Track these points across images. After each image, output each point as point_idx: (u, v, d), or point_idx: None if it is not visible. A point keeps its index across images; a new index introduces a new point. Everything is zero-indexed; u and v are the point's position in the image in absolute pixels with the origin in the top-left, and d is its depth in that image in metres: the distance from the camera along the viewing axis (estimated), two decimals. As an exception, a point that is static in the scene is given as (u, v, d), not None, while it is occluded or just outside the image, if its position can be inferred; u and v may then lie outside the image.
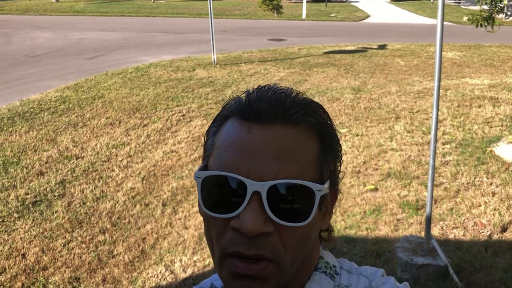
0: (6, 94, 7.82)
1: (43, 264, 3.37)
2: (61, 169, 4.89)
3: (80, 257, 3.46)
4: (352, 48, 12.03)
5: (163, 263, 3.39)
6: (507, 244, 3.38)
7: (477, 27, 6.08)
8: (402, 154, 5.02)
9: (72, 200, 4.30)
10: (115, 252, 3.53)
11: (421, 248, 3.10)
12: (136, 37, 14.13)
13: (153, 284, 3.18)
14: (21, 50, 11.93)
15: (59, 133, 5.92)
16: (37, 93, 7.78)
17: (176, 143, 5.54)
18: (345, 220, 3.82)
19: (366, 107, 6.74)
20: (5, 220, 3.95)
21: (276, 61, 10.25)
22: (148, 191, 4.45)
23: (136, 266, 3.38)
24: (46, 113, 6.66)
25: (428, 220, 3.03)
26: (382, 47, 12.17)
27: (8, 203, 4.22)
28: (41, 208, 4.14)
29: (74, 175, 4.78)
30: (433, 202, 3.50)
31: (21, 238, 3.68)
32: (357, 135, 5.61)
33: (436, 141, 2.92)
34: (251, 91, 0.64)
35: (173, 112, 6.62)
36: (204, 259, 3.39)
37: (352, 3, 26.63)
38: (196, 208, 4.00)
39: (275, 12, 17.51)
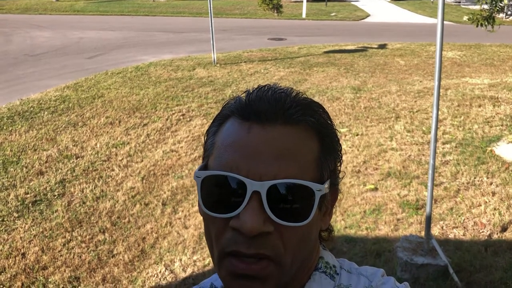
0: (6, 93, 7.81)
1: (43, 263, 3.37)
2: (61, 169, 4.89)
3: (80, 257, 3.46)
4: (352, 47, 12.03)
5: (163, 263, 3.39)
6: (507, 243, 3.38)
7: (477, 26, 6.07)
8: (402, 154, 5.02)
9: (72, 199, 4.30)
10: (115, 252, 3.53)
11: (421, 247, 3.10)
12: (136, 36, 14.12)
13: (153, 284, 3.18)
14: (21, 49, 11.93)
15: (59, 132, 5.92)
16: (37, 92, 7.77)
17: (176, 143, 5.54)
18: (345, 219, 3.82)
19: (366, 106, 6.73)
20: (5, 219, 3.95)
21: (276, 61, 10.25)
22: (148, 191, 4.45)
23: (136, 265, 3.38)
24: (46, 113, 6.66)
25: (428, 220, 3.03)
26: (382, 46, 12.16)
27: (8, 202, 4.21)
28: (41, 208, 4.14)
29: (74, 174, 4.78)
30: (433, 201, 3.50)
31: (21, 238, 3.68)
32: (357, 135, 5.60)
33: (436, 140, 2.92)
34: (251, 91, 0.64)
35: (173, 112, 6.62)
36: (204, 259, 3.39)
37: (352, 3, 26.62)
38: (196, 208, 4.00)
39: (275, 11, 17.52)
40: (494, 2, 5.92)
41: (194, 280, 3.16)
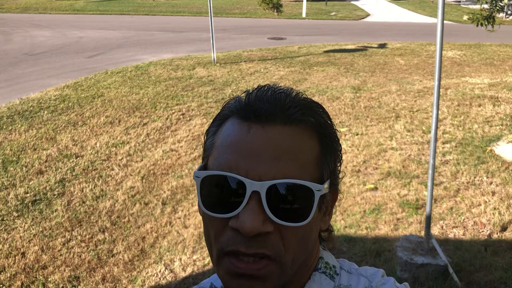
0: (6, 92, 7.81)
1: (43, 263, 3.37)
2: (61, 168, 4.89)
3: (80, 256, 3.46)
4: (352, 47, 12.02)
5: (163, 262, 3.39)
6: (507, 243, 3.38)
7: (477, 26, 6.07)
8: (402, 153, 5.02)
9: (71, 199, 4.30)
10: (114, 251, 3.52)
11: (421, 247, 3.10)
12: (136, 36, 14.11)
13: (153, 283, 3.17)
14: (20, 49, 11.92)
15: (58, 131, 5.92)
16: (36, 91, 7.77)
17: (176, 142, 5.54)
18: (345, 219, 3.82)
19: (366, 106, 6.73)
20: (5, 219, 3.95)
21: (276, 60, 10.25)
22: (147, 190, 4.45)
23: (135, 265, 3.37)
24: (45, 112, 6.65)
25: (428, 220, 3.03)
26: (382, 46, 12.16)
27: (8, 202, 4.21)
28: (41, 207, 4.14)
29: (74, 174, 4.77)
30: (433, 201, 3.50)
31: (20, 237, 3.68)
32: (357, 134, 5.60)
33: (436, 140, 2.92)
34: (250, 91, 0.63)
35: (173, 111, 6.62)
36: (203, 258, 3.39)
37: (352, 2, 26.61)
38: (196, 207, 4.00)
39: (275, 10, 17.51)
40: (494, 1, 5.92)
41: (194, 279, 3.16)
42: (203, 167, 0.63)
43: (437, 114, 2.84)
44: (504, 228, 3.56)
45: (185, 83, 8.21)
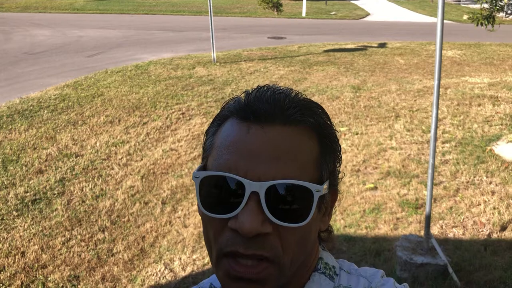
0: (6, 91, 7.81)
1: (43, 262, 3.37)
2: (61, 167, 4.89)
3: (80, 255, 3.46)
4: (352, 46, 12.02)
5: (163, 262, 3.39)
6: (507, 243, 3.38)
7: (477, 25, 6.07)
8: (401, 153, 5.02)
9: (71, 198, 4.30)
10: (114, 251, 3.53)
11: (420, 247, 3.10)
12: (136, 35, 14.11)
13: (153, 283, 3.18)
14: (20, 48, 11.91)
15: (58, 131, 5.92)
16: (36, 91, 7.77)
17: (176, 141, 5.54)
18: (345, 218, 3.82)
19: (366, 105, 6.73)
20: (5, 218, 3.95)
21: (276, 59, 10.24)
22: (147, 190, 4.45)
23: (135, 264, 3.38)
24: (45, 111, 6.65)
25: (428, 219, 3.03)
26: (382, 45, 12.16)
27: (8, 201, 4.21)
28: (41, 206, 4.14)
29: (74, 173, 4.77)
30: (433, 201, 3.50)
31: (20, 236, 3.68)
32: (357, 134, 5.60)
33: (435, 139, 2.92)
34: (250, 91, 0.63)
35: (173, 110, 6.61)
36: (203, 258, 3.39)
37: (352, 1, 26.60)
38: (196, 207, 4.00)
39: (275, 10, 17.50)
40: (494, 1, 5.92)
41: (193, 279, 3.16)
42: (203, 168, 0.63)
43: (437, 114, 2.84)
44: (503, 228, 3.57)
45: (185, 83, 8.21)
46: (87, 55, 10.99)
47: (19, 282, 3.15)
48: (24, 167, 4.88)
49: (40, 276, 3.22)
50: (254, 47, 11.88)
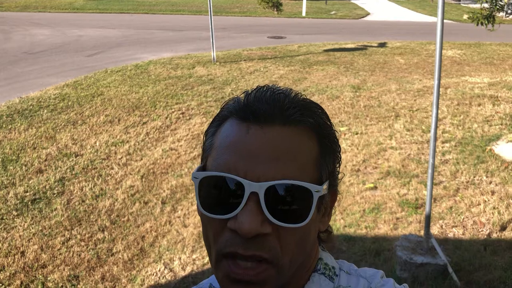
0: (5, 91, 7.80)
1: (42, 262, 3.37)
2: (60, 167, 4.89)
3: (79, 255, 3.46)
4: (352, 46, 12.02)
5: (162, 261, 3.39)
6: (506, 243, 3.38)
7: (477, 25, 6.07)
8: (401, 153, 5.02)
9: (71, 198, 4.29)
10: (114, 250, 3.52)
11: (420, 247, 3.10)
12: (136, 34, 14.10)
13: (152, 282, 3.17)
14: (20, 47, 11.91)
15: (58, 130, 5.91)
16: (36, 90, 7.76)
17: (176, 141, 5.54)
18: (344, 218, 3.82)
19: (366, 105, 6.73)
20: (4, 217, 3.95)
21: (276, 59, 10.24)
22: (147, 189, 4.45)
23: (135, 264, 3.37)
24: (45, 111, 6.65)
25: (428, 219, 3.03)
26: (382, 45, 12.16)
27: (7, 200, 4.21)
28: (40, 206, 4.13)
29: (73, 172, 4.77)
30: (433, 200, 3.50)
31: (20, 236, 3.68)
32: (357, 134, 5.60)
33: (435, 139, 2.92)
34: (249, 92, 0.63)
35: (173, 110, 6.61)
36: (203, 257, 3.39)
37: (352, 1, 26.60)
38: (196, 206, 4.00)
39: (275, 9, 17.48)
40: (494, 1, 5.91)
41: (193, 278, 3.16)
42: (202, 168, 0.63)
43: (437, 114, 2.84)
44: (503, 228, 3.57)
45: (185, 82, 8.21)
46: (86, 55, 10.99)
47: (18, 282, 3.15)
48: (23, 167, 4.88)
49: (40, 276, 3.21)
50: (254, 46, 11.87)
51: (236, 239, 0.57)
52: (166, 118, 6.32)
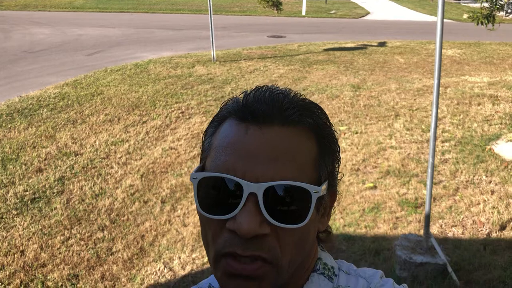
0: (5, 90, 7.80)
1: (42, 261, 3.37)
2: (60, 166, 4.89)
3: (79, 254, 3.46)
4: (352, 45, 12.01)
5: (162, 261, 3.39)
6: (506, 242, 3.38)
7: (477, 24, 6.07)
8: (401, 152, 5.02)
9: (71, 197, 4.29)
10: (114, 249, 3.52)
11: (420, 246, 3.10)
12: (135, 34, 14.09)
13: (152, 282, 3.18)
14: (20, 46, 11.90)
15: (58, 129, 5.91)
16: (36, 89, 7.76)
17: (175, 140, 5.54)
18: (344, 218, 3.82)
19: (366, 104, 6.73)
20: (4, 217, 3.95)
21: (276, 58, 10.24)
22: (147, 188, 4.45)
23: (135, 263, 3.37)
24: (45, 110, 6.65)
25: (427, 218, 3.03)
26: (382, 44, 12.15)
27: (7, 200, 4.21)
28: (40, 205, 4.13)
29: (73, 172, 4.77)
30: (432, 200, 3.50)
31: (19, 235, 3.68)
32: (356, 133, 5.60)
33: (435, 139, 2.92)
34: (248, 92, 0.63)
35: (172, 109, 6.61)
36: (203, 257, 3.39)
37: (352, 0, 26.58)
38: (195, 206, 4.00)
39: (275, 8, 17.47)
40: (494, 0, 5.91)
41: (193, 278, 3.16)
42: (201, 169, 0.63)
43: (437, 113, 2.84)
44: (503, 227, 3.57)
45: (185, 81, 8.20)
46: (86, 54, 10.98)
47: (18, 281, 3.15)
48: (23, 166, 4.88)
49: (40, 275, 3.22)
50: (253, 45, 11.87)
51: (235, 240, 0.57)
52: (166, 117, 6.32)
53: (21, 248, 3.51)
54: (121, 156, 5.12)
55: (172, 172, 4.77)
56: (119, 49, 11.52)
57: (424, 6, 23.79)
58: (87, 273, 3.25)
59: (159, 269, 3.29)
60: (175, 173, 4.74)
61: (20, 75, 8.92)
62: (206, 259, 3.36)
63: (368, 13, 21.15)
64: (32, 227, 3.79)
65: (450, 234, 3.53)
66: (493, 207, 3.84)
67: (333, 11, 20.98)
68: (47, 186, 4.46)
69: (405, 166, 4.69)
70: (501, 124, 5.76)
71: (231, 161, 0.58)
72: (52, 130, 5.87)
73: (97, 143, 5.48)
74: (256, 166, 0.57)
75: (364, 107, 6.61)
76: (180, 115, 6.40)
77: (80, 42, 12.62)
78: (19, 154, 5.18)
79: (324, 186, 0.61)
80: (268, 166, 0.57)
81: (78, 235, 3.69)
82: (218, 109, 0.67)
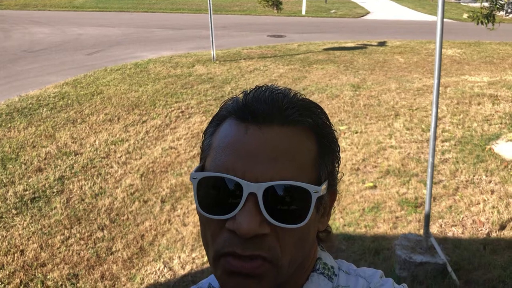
0: (5, 89, 7.80)
1: (42, 260, 3.37)
2: (60, 166, 4.89)
3: (79, 254, 3.46)
4: (352, 45, 12.01)
5: (162, 260, 3.39)
6: (506, 242, 3.38)
7: (477, 24, 6.07)
8: (401, 152, 5.02)
9: (70, 196, 4.29)
10: (113, 249, 3.52)
11: (419, 246, 3.10)
12: (135, 33, 14.09)
13: (152, 281, 3.17)
14: (19, 45, 11.90)
15: (57, 129, 5.91)
16: (35, 88, 7.76)
17: (175, 140, 5.54)
18: (344, 217, 3.82)
19: (366, 104, 6.73)
20: (4, 216, 3.95)
21: (276, 58, 10.23)
22: (146, 188, 4.44)
23: (134, 263, 3.37)
24: (44, 109, 6.65)
25: (427, 218, 3.03)
26: (382, 44, 12.15)
27: (7, 199, 4.21)
28: (40, 205, 4.13)
29: (73, 171, 4.77)
30: (432, 199, 3.50)
31: (19, 235, 3.68)
32: (356, 132, 5.60)
33: (435, 138, 2.92)
34: (248, 92, 0.63)
35: (172, 109, 6.61)
36: (202, 256, 3.39)
37: (352, 0, 26.57)
38: (195, 205, 4.00)
39: (275, 8, 17.46)
40: (494, 0, 5.91)
41: (192, 277, 3.16)
42: (200, 168, 0.63)
43: (437, 113, 2.84)
44: (502, 227, 3.57)
45: (185, 81, 8.20)
46: (86, 53, 10.98)
47: (18, 281, 3.15)
48: (23, 165, 4.88)
49: (39, 275, 3.22)
50: (253, 45, 11.86)
51: (234, 240, 0.57)
52: (166, 116, 6.31)
53: (21, 248, 3.51)
54: (121, 156, 5.12)
55: (172, 171, 4.76)
56: (119, 49, 11.52)
57: (424, 5, 23.79)
58: (87, 273, 3.25)
59: (159, 269, 3.29)
60: (175, 172, 4.74)
61: (20, 74, 8.92)
62: (205, 258, 3.36)
63: (368, 12, 21.15)
64: (32, 227, 3.78)
65: (450, 234, 3.53)
66: (493, 207, 3.84)
67: (333, 11, 20.98)
68: (47, 185, 4.46)
69: (405, 166, 4.69)
70: (501, 123, 5.76)
71: (231, 161, 0.58)
72: (52, 130, 5.87)
73: (97, 142, 5.48)
74: (256, 166, 0.57)
75: (364, 106, 6.61)
76: (180, 114, 6.40)
77: (80, 41, 12.61)
78: (19, 153, 5.18)
79: (324, 186, 0.61)
80: (268, 166, 0.57)
81: (78, 235, 3.69)
82: (218, 108, 0.67)
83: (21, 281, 3.15)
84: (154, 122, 6.11)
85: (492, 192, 4.10)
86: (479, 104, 6.57)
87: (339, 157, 0.66)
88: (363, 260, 3.21)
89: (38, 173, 4.72)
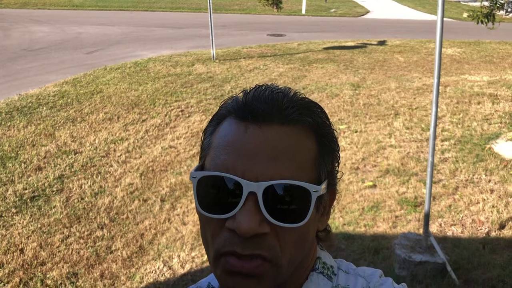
0: (5, 88, 7.79)
1: (41, 259, 3.37)
2: (59, 164, 4.88)
3: (78, 253, 3.46)
4: (352, 44, 12.00)
5: (161, 259, 3.39)
6: (505, 241, 3.38)
7: (477, 23, 6.06)
8: (401, 151, 5.02)
9: (70, 195, 4.29)
10: (113, 248, 3.53)
11: (419, 245, 3.10)
12: (135, 32, 14.07)
13: (151, 280, 3.18)
14: (19, 44, 11.88)
15: (57, 128, 5.91)
16: (35, 87, 7.75)
17: (175, 139, 5.53)
18: (343, 216, 3.82)
19: (365, 103, 6.73)
20: (3, 215, 3.95)
21: (276, 57, 10.23)
22: (146, 187, 4.44)
23: (134, 261, 3.38)
24: (44, 108, 6.64)
25: (427, 217, 3.03)
26: (382, 43, 12.14)
27: (6, 198, 4.21)
28: (39, 203, 4.13)
29: (72, 170, 4.77)
30: (432, 199, 3.50)
31: (19, 233, 3.68)
32: (356, 132, 5.60)
33: (435, 137, 2.92)
34: (248, 91, 0.63)
35: (172, 108, 6.61)
36: (202, 255, 3.39)
37: (352, -1, 26.53)
38: (195, 204, 4.00)
39: (275, 7, 17.44)
40: (494, -1, 5.91)
41: (192, 276, 3.16)
42: (200, 167, 0.63)
43: (436, 112, 2.84)
44: (502, 226, 3.57)
45: (184, 80, 8.20)
46: (86, 52, 10.97)
47: (17, 279, 3.15)
48: (22, 164, 4.88)
49: (39, 273, 3.22)
50: (253, 44, 11.86)
51: (234, 239, 0.57)
52: (165, 115, 6.31)
53: (20, 247, 3.52)
54: (121, 155, 5.12)
55: (171, 170, 4.76)
56: (118, 48, 11.51)
57: (424, 4, 23.78)
58: (86, 272, 3.25)
59: (158, 268, 3.29)
60: (174, 171, 4.74)
61: (20, 73, 8.91)
62: (205, 257, 3.36)
63: (368, 11, 21.14)
64: (31, 226, 3.79)
65: (449, 233, 3.53)
66: (493, 206, 3.84)
67: (333, 10, 20.97)
68: (46, 184, 4.46)
69: (405, 165, 4.69)
70: (500, 123, 5.76)
71: (231, 160, 0.58)
72: (52, 129, 5.87)
73: (96, 141, 5.48)
74: (256, 165, 0.57)
75: (364, 106, 6.61)
76: (180, 113, 6.40)
77: (80, 40, 12.60)
78: (19, 152, 5.18)
79: (323, 185, 0.61)
80: (268, 165, 0.57)
81: (78, 234, 3.69)
82: (218, 107, 0.66)
83: (20, 280, 3.15)
84: (154, 121, 6.11)
85: (492, 191, 4.10)
86: (478, 103, 6.57)
87: (339, 156, 0.66)
88: (362, 259, 3.22)
89: (37, 172, 4.72)
